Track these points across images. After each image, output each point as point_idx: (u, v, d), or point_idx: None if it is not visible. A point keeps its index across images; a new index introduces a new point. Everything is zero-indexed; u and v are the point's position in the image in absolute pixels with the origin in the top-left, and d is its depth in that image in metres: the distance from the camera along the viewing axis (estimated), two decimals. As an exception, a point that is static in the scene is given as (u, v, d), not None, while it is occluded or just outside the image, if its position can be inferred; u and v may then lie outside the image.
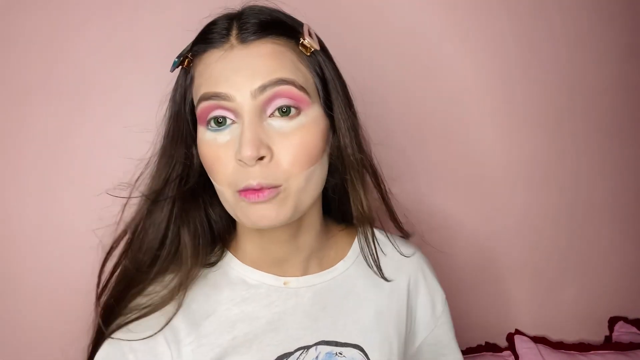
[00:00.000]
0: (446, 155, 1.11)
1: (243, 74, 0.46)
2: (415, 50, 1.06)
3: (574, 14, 1.14)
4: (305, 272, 0.57)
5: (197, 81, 0.50)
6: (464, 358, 1.11)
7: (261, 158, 0.46)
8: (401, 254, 0.64)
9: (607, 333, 1.22)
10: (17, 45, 0.90)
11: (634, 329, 1.19)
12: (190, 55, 0.52)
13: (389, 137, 1.06)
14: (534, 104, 1.14)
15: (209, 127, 0.49)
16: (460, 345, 1.14)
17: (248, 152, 0.44)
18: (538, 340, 1.15)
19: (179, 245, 0.53)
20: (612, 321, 1.22)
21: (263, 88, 0.46)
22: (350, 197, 0.56)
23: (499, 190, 1.15)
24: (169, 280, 0.53)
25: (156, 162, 0.54)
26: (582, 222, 1.20)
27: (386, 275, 0.61)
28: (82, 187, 0.91)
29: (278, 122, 0.48)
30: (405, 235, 0.66)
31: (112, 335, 0.50)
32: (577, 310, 1.21)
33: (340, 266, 0.60)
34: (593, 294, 1.22)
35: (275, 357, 0.52)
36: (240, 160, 0.45)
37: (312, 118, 0.49)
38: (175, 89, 0.54)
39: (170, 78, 0.56)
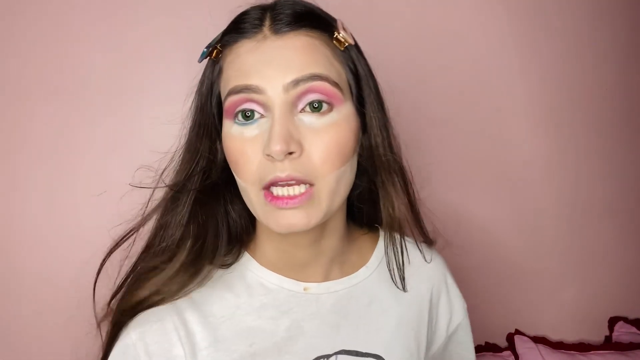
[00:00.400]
0: (445, 155, 1.11)
1: (276, 66, 0.45)
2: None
3: (574, 14, 1.14)
4: (326, 277, 0.55)
5: (227, 73, 0.48)
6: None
7: (290, 153, 0.44)
8: (424, 259, 0.62)
9: (607, 333, 1.22)
10: (26, 45, 0.89)
11: (634, 329, 1.19)
12: (220, 46, 0.50)
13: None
14: (533, 104, 1.14)
15: (236, 121, 0.47)
16: (460, 345, 1.15)
17: (277, 146, 0.42)
18: (538, 340, 1.15)
19: (196, 242, 0.51)
20: (612, 321, 1.22)
21: (296, 82, 0.44)
22: (380, 200, 0.54)
23: (498, 190, 1.15)
24: (183, 278, 0.50)
25: (181, 156, 0.53)
26: (582, 222, 1.20)
27: (408, 284, 0.59)
28: (86, 187, 0.91)
29: (309, 118, 0.46)
30: (429, 242, 0.64)
31: (125, 335, 0.49)
32: (577, 310, 1.21)
33: (362, 272, 0.57)
34: (593, 294, 1.22)
35: None
36: (268, 155, 0.43)
37: (343, 115, 0.47)
38: (202, 81, 0.52)
39: (192, 72, 0.54)
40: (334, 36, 0.49)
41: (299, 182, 0.45)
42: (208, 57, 0.51)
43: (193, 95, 0.53)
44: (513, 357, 1.12)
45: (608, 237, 1.21)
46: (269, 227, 0.47)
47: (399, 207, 0.53)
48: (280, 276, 0.53)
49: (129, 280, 0.53)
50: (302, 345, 0.51)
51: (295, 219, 0.45)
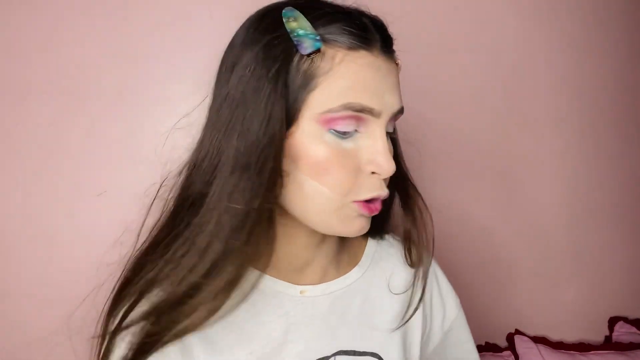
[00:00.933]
0: (445, 154, 1.11)
1: (393, 93, 0.46)
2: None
3: (577, 14, 1.14)
4: (322, 278, 0.55)
5: (342, 80, 0.44)
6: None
7: None
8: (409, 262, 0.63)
9: (607, 333, 1.22)
10: (26, 45, 0.89)
11: (634, 329, 1.19)
12: (324, 41, 0.45)
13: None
14: (533, 104, 1.14)
15: (332, 131, 0.45)
16: (460, 345, 1.15)
17: (393, 167, 0.45)
18: (538, 340, 1.15)
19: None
20: (612, 321, 1.22)
21: (398, 113, 0.47)
22: (410, 226, 0.58)
23: (498, 190, 1.15)
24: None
25: (256, 162, 0.44)
26: (582, 222, 1.20)
27: (399, 284, 0.60)
28: (85, 187, 0.91)
29: None
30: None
31: None
32: (577, 310, 1.21)
33: (355, 272, 0.58)
34: (593, 294, 1.22)
35: None
36: (377, 173, 0.46)
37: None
38: (280, 65, 0.44)
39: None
40: (397, 63, 0.50)
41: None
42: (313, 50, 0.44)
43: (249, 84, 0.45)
44: (513, 357, 1.12)
45: (608, 237, 1.21)
46: (333, 230, 0.48)
47: (423, 227, 0.58)
48: (275, 279, 0.52)
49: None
50: (301, 349, 0.51)
51: (366, 225, 0.49)
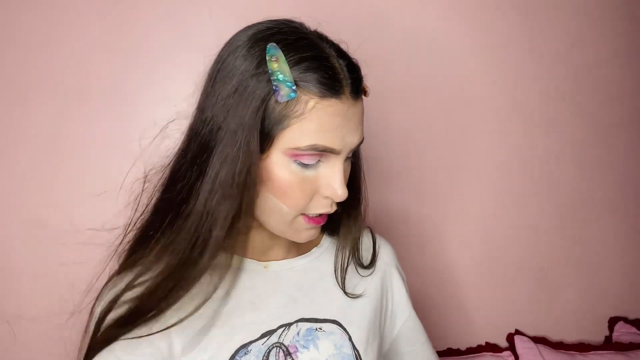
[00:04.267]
0: (445, 155, 1.11)
1: (354, 133, 0.53)
2: (411, 50, 1.07)
3: (571, 12, 1.14)
4: (285, 256, 0.64)
5: (310, 123, 0.49)
6: (465, 358, 1.11)
7: None
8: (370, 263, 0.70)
9: (607, 333, 1.22)
10: (26, 45, 0.90)
11: (634, 329, 1.19)
12: (295, 86, 0.49)
13: (388, 137, 1.06)
14: (532, 104, 1.14)
15: (297, 162, 0.52)
16: (460, 345, 1.15)
17: (345, 195, 0.53)
18: (538, 340, 1.15)
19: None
20: (612, 321, 1.22)
21: (357, 146, 0.55)
22: (342, 225, 0.67)
23: (499, 191, 1.15)
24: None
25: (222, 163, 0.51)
26: (581, 222, 1.20)
27: (349, 287, 0.66)
28: (81, 186, 0.91)
29: None
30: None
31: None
32: (577, 310, 1.21)
33: (315, 251, 0.67)
34: (593, 294, 1.22)
35: (260, 334, 0.57)
36: (330, 197, 0.54)
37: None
38: (261, 101, 0.49)
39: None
40: (362, 96, 0.55)
41: None
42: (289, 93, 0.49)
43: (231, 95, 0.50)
44: (513, 357, 1.12)
45: (608, 237, 1.21)
46: (287, 236, 0.57)
47: (357, 231, 0.67)
48: (242, 258, 0.61)
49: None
50: (265, 316, 0.58)
51: (315, 234, 0.58)
